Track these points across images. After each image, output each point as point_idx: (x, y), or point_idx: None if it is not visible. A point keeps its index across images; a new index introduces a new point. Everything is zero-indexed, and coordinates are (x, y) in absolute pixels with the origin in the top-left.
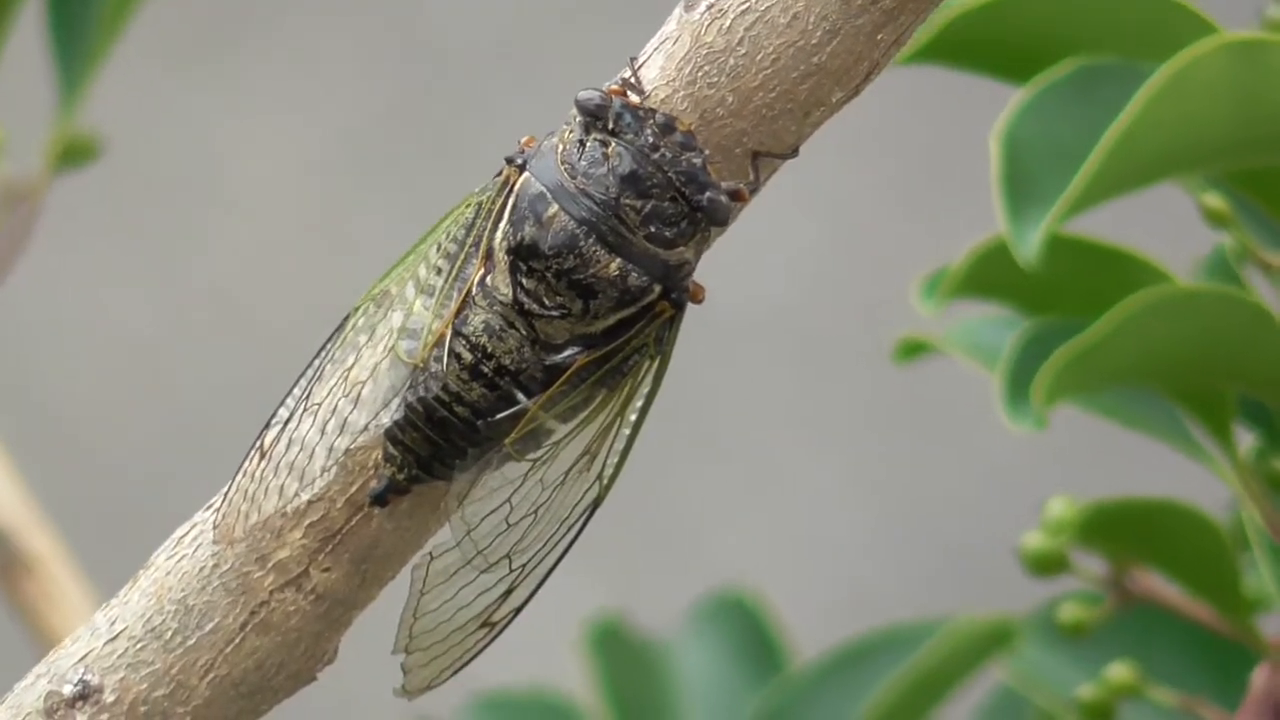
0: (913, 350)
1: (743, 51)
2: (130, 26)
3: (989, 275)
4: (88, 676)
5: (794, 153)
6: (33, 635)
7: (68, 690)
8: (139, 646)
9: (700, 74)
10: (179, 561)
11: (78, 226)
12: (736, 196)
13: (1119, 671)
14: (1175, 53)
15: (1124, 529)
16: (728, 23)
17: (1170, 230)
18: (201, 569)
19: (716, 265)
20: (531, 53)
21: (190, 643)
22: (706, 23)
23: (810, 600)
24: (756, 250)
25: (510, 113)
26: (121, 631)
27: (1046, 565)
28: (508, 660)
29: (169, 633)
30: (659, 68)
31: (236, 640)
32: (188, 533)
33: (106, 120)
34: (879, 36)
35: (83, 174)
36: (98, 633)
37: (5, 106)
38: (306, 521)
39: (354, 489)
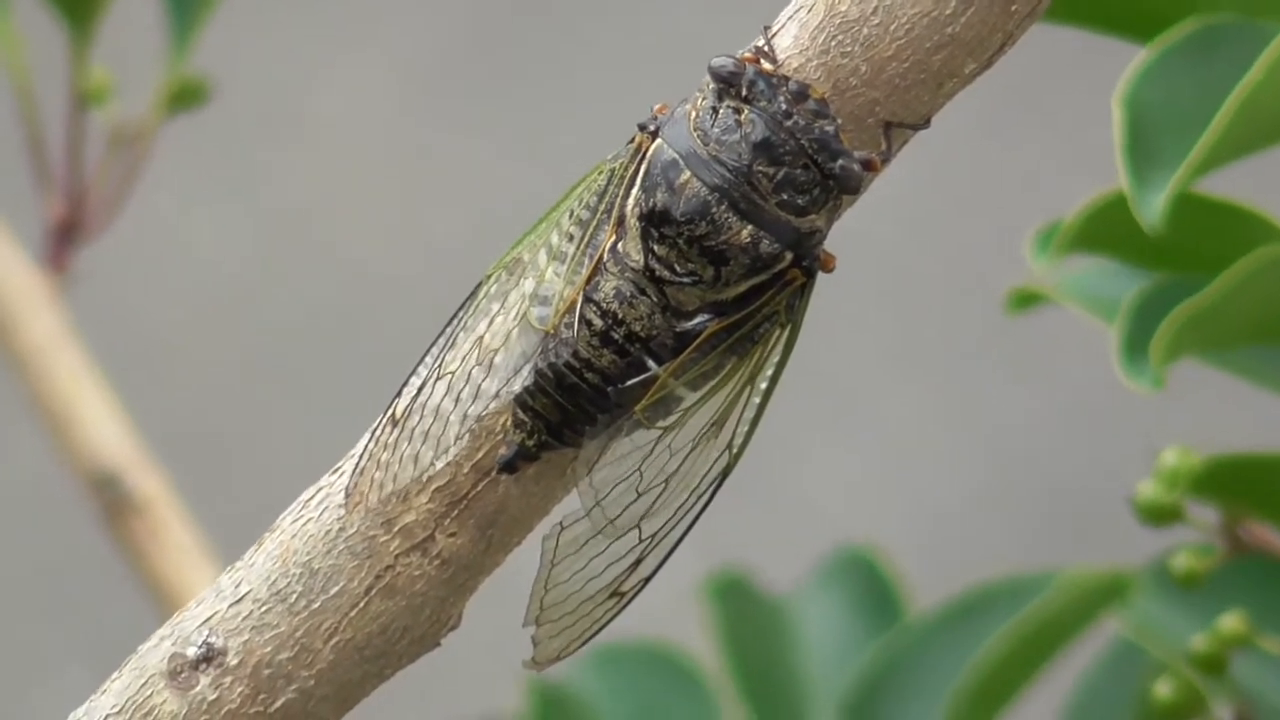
0: (1025, 301)
1: (876, 21)
2: None
3: (1102, 231)
4: (212, 639)
5: (926, 123)
6: (140, 575)
7: (192, 652)
8: (264, 609)
9: (834, 43)
10: (304, 525)
11: (168, 164)
12: (869, 166)
13: (1230, 622)
14: None
15: (1240, 482)
16: None
17: None
18: (327, 532)
19: None
20: None
21: (315, 606)
22: None
23: (914, 541)
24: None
25: (591, 37)
26: (246, 594)
27: (1160, 516)
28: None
29: (294, 596)
30: (793, 36)
31: (361, 604)
32: (313, 496)
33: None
34: (1013, 7)
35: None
36: (222, 595)
37: (114, 48)
38: (433, 486)
39: (481, 454)
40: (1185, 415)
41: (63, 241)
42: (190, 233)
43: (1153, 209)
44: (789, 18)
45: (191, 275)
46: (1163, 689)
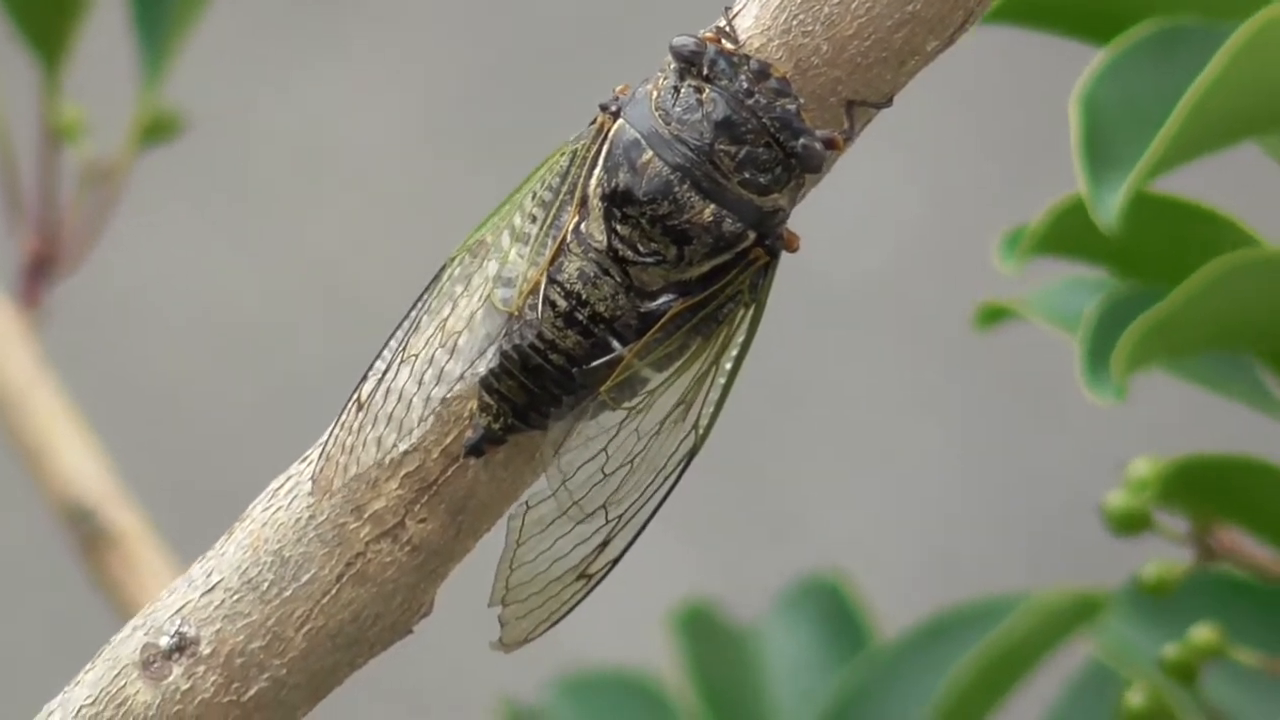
0: (994, 315)
1: (837, 0)
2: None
3: (1069, 233)
4: (184, 629)
5: (889, 102)
6: (117, 609)
7: (164, 642)
8: (235, 598)
9: (795, 22)
10: (275, 513)
11: (171, 197)
12: (831, 144)
13: (1202, 633)
14: (1254, 12)
15: (1206, 486)
16: None
17: (1256, 192)
18: (297, 520)
19: (819, 236)
20: (633, 20)
21: (286, 594)
22: None
23: (903, 570)
24: (859, 221)
25: (614, 81)
26: (218, 583)
27: (1129, 524)
28: (603, 633)
29: (265, 584)
30: (754, 16)
31: (333, 592)
32: (283, 484)
33: (201, 91)
34: None
35: (177, 145)
36: (194, 585)
37: (89, 82)
38: (402, 472)
39: (449, 439)
40: (1194, 448)
41: (36, 277)
42: (187, 269)
43: (1109, 209)
44: None
45: (187, 312)
46: (1135, 697)
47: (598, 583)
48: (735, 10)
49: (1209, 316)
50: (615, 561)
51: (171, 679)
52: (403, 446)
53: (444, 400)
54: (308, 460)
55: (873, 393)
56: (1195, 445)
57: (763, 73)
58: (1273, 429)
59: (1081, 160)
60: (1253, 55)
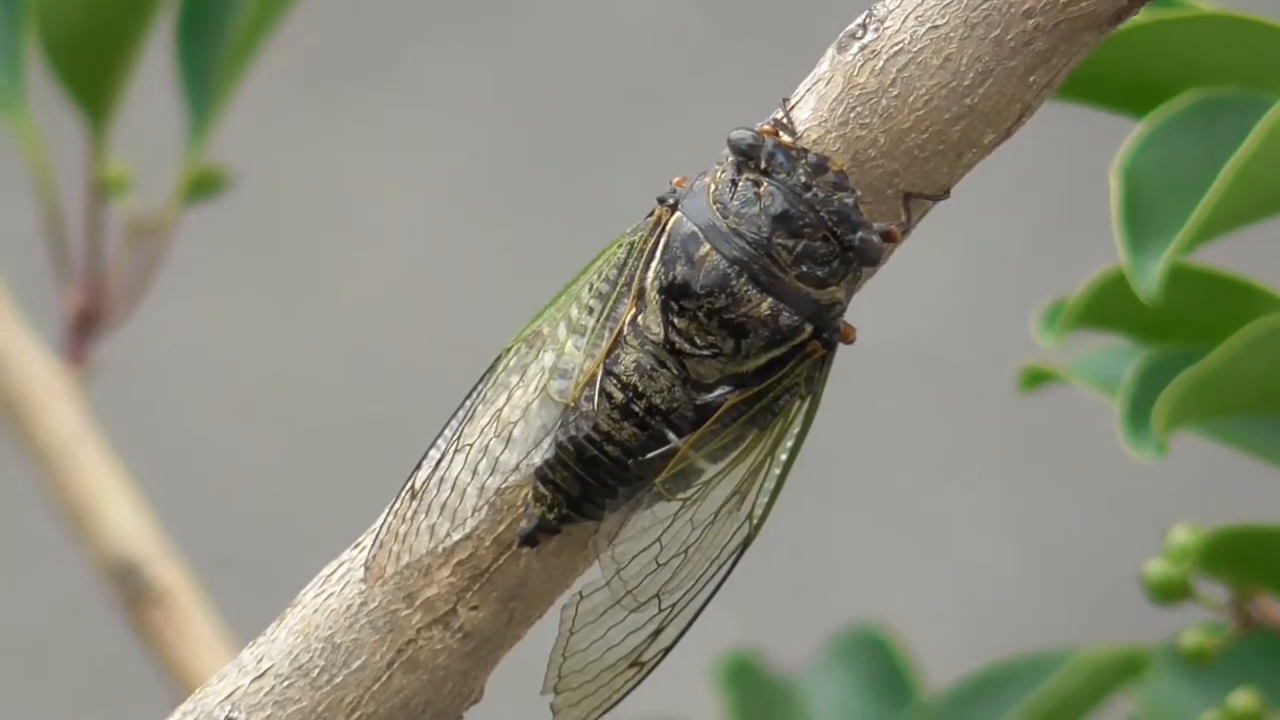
0: (1036, 379)
1: (895, 93)
2: (259, 60)
3: (1108, 306)
4: (234, 714)
5: (946, 194)
6: (160, 666)
7: None
8: (285, 684)
9: (852, 115)
10: (326, 599)
11: (207, 261)
12: (888, 237)
13: (1242, 699)
14: None
15: (1246, 555)
16: (880, 64)
17: None
18: (349, 607)
19: (854, 302)
20: (661, 87)
21: (337, 680)
22: (859, 64)
23: (943, 634)
24: (894, 287)
25: (639, 147)
26: (268, 669)
27: (1169, 592)
28: (640, 689)
29: (316, 670)
30: (811, 108)
31: (383, 678)
32: (335, 570)
33: (234, 154)
34: (1031, 79)
35: (211, 208)
36: (244, 670)
37: (132, 140)
38: (455, 559)
39: (502, 527)
40: (1230, 513)
41: (82, 333)
42: (221, 330)
43: (1149, 279)
44: (807, 90)
45: (220, 372)
46: None
47: (650, 670)
48: (792, 103)
49: (1248, 376)
50: (668, 650)
51: None
52: (456, 536)
53: (499, 490)
54: (360, 546)
55: (907, 454)
56: (1231, 509)
57: (820, 166)
58: None
59: (1122, 230)
60: None
